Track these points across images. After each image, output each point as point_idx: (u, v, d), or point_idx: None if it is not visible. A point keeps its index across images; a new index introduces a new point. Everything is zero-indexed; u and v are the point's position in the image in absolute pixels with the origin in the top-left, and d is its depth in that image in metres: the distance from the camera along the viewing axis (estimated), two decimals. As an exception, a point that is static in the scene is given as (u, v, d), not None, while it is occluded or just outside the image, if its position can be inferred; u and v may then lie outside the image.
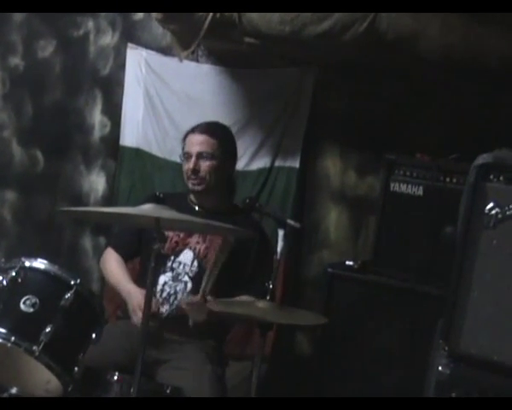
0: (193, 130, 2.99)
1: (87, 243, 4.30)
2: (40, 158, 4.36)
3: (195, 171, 2.91)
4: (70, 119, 4.32)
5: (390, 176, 3.34)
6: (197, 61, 4.01)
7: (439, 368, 2.62)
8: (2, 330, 2.37)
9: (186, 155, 2.96)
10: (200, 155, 2.92)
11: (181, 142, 3.03)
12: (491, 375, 2.56)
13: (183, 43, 3.59)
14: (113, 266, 2.98)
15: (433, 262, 3.21)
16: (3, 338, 2.37)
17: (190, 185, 2.95)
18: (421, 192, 3.28)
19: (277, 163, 3.94)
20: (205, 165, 2.92)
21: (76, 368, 2.45)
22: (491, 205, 2.57)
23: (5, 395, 2.49)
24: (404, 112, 3.72)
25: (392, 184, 3.33)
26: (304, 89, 3.90)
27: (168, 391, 2.53)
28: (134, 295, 2.78)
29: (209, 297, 2.75)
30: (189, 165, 2.93)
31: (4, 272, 2.49)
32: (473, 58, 3.20)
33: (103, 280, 3.37)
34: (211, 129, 2.98)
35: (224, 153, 2.97)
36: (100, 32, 4.27)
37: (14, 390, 2.50)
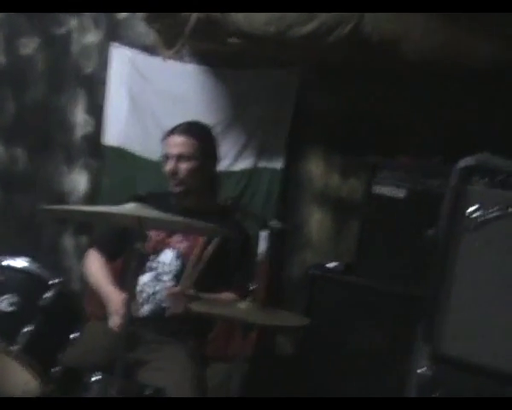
0: (172, 131, 2.97)
1: (68, 242, 4.27)
2: (21, 156, 4.32)
3: (175, 173, 2.90)
4: (52, 117, 4.29)
5: (373, 178, 3.35)
6: (181, 60, 4.00)
7: (421, 370, 2.63)
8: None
9: (166, 157, 2.94)
10: (179, 157, 2.90)
11: (161, 142, 3.01)
12: (472, 376, 2.57)
13: (168, 43, 3.57)
14: (94, 267, 2.96)
15: (415, 264, 3.22)
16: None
17: (171, 187, 2.94)
18: (403, 195, 3.29)
19: (260, 164, 3.94)
20: (184, 167, 2.90)
21: (55, 368, 2.44)
22: (473, 208, 2.58)
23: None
24: (387, 114, 3.73)
25: (374, 187, 3.34)
26: (287, 90, 3.90)
27: (149, 392, 2.52)
28: (112, 298, 2.77)
29: (191, 291, 2.74)
30: (169, 166, 2.91)
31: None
32: (456, 60, 3.21)
33: (85, 280, 3.34)
34: (190, 129, 2.96)
35: (204, 153, 2.96)
36: (83, 30, 4.24)
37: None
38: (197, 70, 4.02)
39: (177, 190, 2.92)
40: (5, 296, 2.41)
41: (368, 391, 3.12)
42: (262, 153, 3.93)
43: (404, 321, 3.11)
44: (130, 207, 2.38)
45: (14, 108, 4.32)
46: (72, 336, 2.52)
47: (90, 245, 3.14)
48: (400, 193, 3.30)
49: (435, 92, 3.57)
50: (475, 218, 2.57)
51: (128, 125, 4.13)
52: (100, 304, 2.99)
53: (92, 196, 4.21)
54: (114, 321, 2.68)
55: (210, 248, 2.82)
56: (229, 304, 2.60)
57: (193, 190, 2.93)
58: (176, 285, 2.85)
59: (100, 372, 2.51)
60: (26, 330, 2.38)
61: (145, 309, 2.84)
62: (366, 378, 3.19)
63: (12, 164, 4.33)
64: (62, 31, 4.26)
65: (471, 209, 2.58)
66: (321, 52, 3.44)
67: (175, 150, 2.91)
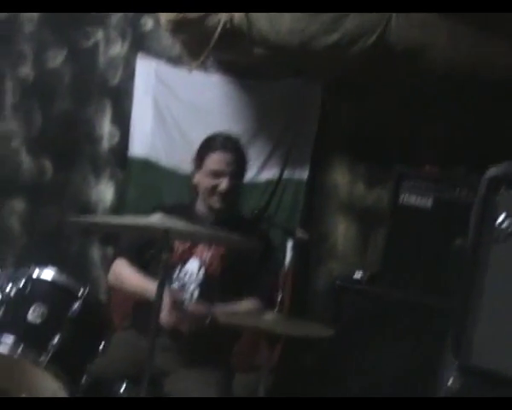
0: (215, 146, 2.98)
1: (95, 252, 4.30)
2: (49, 168, 4.36)
3: (216, 188, 2.92)
4: (79, 129, 4.33)
5: (399, 188, 3.33)
6: (206, 71, 4.01)
7: (450, 382, 2.60)
8: (10, 340, 2.37)
9: (209, 172, 2.95)
10: (222, 173, 2.93)
11: (195, 155, 3.02)
12: (501, 388, 2.54)
13: (193, 54, 3.59)
14: (128, 271, 2.96)
15: (441, 275, 3.20)
16: (11, 348, 2.37)
17: (211, 202, 2.95)
18: (429, 204, 3.27)
19: (286, 175, 3.93)
20: (226, 183, 2.92)
21: (83, 378, 2.45)
22: (502, 217, 2.55)
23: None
24: (413, 124, 3.72)
25: (400, 196, 3.32)
26: (312, 100, 3.90)
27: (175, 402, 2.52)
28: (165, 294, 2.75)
29: (211, 304, 2.75)
30: (211, 182, 2.93)
31: (13, 281, 2.49)
32: (481, 69, 3.20)
33: (110, 290, 3.35)
34: (232, 146, 2.99)
35: (241, 169, 2.99)
36: (110, 42, 4.27)
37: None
38: (222, 81, 4.03)
39: (217, 205, 2.93)
40: (33, 307, 2.43)
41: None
42: (287, 163, 3.93)
43: (431, 333, 3.09)
44: (156, 218, 2.39)
45: (42, 120, 4.36)
46: (99, 346, 2.53)
47: (116, 255, 3.15)
48: (427, 203, 3.28)
49: (461, 101, 3.55)
50: (505, 229, 2.55)
51: (154, 137, 4.15)
52: (126, 314, 3.01)
53: (118, 207, 4.24)
54: (165, 318, 2.68)
55: (232, 258, 2.83)
56: (255, 315, 2.60)
57: (230, 204, 2.95)
58: (201, 296, 2.85)
59: (127, 382, 2.52)
60: (54, 340, 2.40)
61: (173, 320, 2.84)
62: (392, 390, 3.17)
63: (40, 175, 4.37)
64: (89, 43, 4.30)
65: (500, 220, 2.55)
66: (345, 62, 3.43)
67: (219, 167, 2.93)
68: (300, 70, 3.86)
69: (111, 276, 3.04)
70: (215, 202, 2.94)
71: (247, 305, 2.86)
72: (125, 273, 2.97)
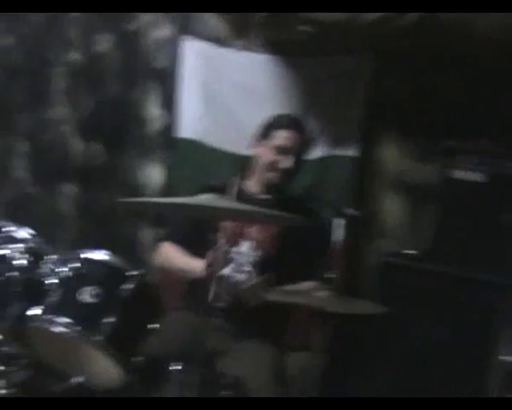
0: (285, 123, 3.04)
1: (146, 234, 4.34)
2: (99, 151, 4.41)
3: (277, 164, 2.94)
4: (127, 112, 4.36)
5: (451, 163, 3.28)
6: (253, 50, 3.99)
7: (503, 357, 2.56)
8: (66, 321, 2.42)
9: (274, 148, 2.99)
10: (288, 151, 2.97)
11: (261, 128, 3.06)
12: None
13: (239, 33, 3.58)
14: (175, 252, 2.99)
15: (494, 250, 3.15)
16: (67, 328, 2.42)
17: (269, 177, 2.97)
18: (482, 179, 3.21)
19: (335, 152, 3.90)
20: (290, 160, 2.98)
21: (136, 358, 2.48)
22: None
23: (68, 383, 2.54)
24: (465, 97, 3.64)
25: (452, 171, 3.27)
26: (360, 77, 3.85)
27: (228, 381, 2.54)
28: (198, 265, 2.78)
29: (269, 281, 2.76)
30: (275, 158, 2.97)
31: (67, 264, 2.53)
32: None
33: (161, 272, 3.38)
34: (300, 126, 3.07)
35: (305, 150, 3.07)
36: (156, 24, 4.29)
37: (77, 379, 2.54)
38: (268, 60, 4.01)
39: (276, 181, 2.97)
40: (87, 288, 2.47)
41: (446, 380, 3.06)
42: (336, 141, 3.90)
43: (483, 308, 3.04)
44: (206, 198, 2.39)
45: (91, 104, 4.40)
46: (151, 326, 2.57)
47: (164, 238, 3.17)
48: (480, 177, 3.22)
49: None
50: None
51: (201, 118, 4.16)
52: (178, 295, 3.03)
53: (167, 189, 4.26)
54: (217, 298, 2.67)
55: (286, 237, 2.82)
56: (307, 293, 2.59)
57: (288, 182, 2.98)
58: (255, 275, 2.86)
59: (180, 362, 2.55)
60: (107, 320, 2.44)
61: (225, 299, 2.86)
62: (442, 368, 3.13)
63: (90, 159, 4.42)
64: (135, 26, 4.32)
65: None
66: (393, 36, 3.38)
67: (284, 143, 2.99)
68: (348, 45, 3.81)
69: (158, 258, 3.07)
70: (274, 178, 2.96)
71: (302, 286, 2.87)
72: (171, 255, 3.00)
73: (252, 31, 3.44)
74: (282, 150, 2.99)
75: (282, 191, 3.00)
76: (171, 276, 3.09)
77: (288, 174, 2.99)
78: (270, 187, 2.99)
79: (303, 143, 3.06)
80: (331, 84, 3.89)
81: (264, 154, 3.00)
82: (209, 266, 2.56)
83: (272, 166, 2.97)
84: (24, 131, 4.49)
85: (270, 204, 2.78)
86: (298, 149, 3.02)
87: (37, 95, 4.45)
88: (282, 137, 3.00)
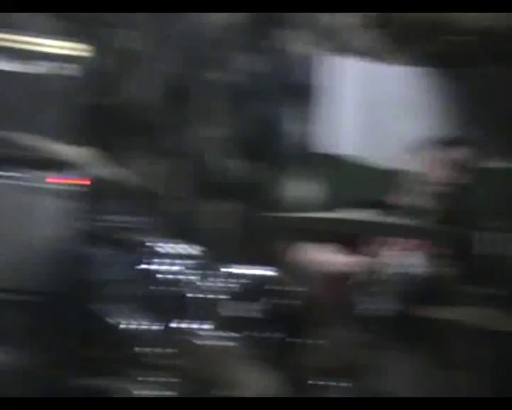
0: (461, 141, 3.11)
1: (300, 249, 4.35)
2: (258, 168, 4.48)
3: (447, 181, 3.00)
4: (272, 128, 4.42)
5: None
6: (404, 64, 3.94)
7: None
8: (231, 335, 2.47)
9: (449, 164, 3.02)
10: (462, 168, 3.03)
11: (433, 144, 3.08)
12: None
13: (391, 48, 3.55)
14: (329, 255, 3.03)
15: None
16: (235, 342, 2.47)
17: (439, 190, 2.98)
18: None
19: (497, 163, 3.77)
20: (464, 178, 3.02)
21: (292, 371, 2.50)
22: None
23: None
24: None
25: None
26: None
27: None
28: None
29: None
30: (448, 174, 3.01)
31: (234, 279, 2.59)
32: None
33: (316, 286, 3.39)
34: (468, 139, 3.15)
35: (474, 161, 3.10)
36: (299, 40, 4.32)
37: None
38: (420, 72, 3.94)
39: (447, 195, 2.98)
40: (252, 304, 2.52)
41: None
42: (496, 152, 3.77)
43: None
44: (365, 214, 2.39)
45: (237, 121, 4.49)
46: (309, 341, 2.58)
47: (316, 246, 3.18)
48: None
49: None
50: None
51: (350, 133, 4.15)
52: (332, 309, 3.03)
53: (313, 204, 4.26)
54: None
55: (448, 253, 2.78)
56: (469, 311, 2.52)
57: (459, 196, 2.99)
58: (418, 290, 2.82)
59: (336, 377, 2.54)
60: (267, 335, 2.47)
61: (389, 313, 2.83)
62: None
63: (241, 176, 4.50)
64: (278, 43, 4.37)
65: None
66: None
67: (461, 160, 3.03)
68: (504, 54, 3.67)
69: (312, 264, 3.09)
70: (444, 192, 2.98)
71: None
72: (321, 256, 3.03)
73: (403, 44, 3.38)
74: (457, 167, 3.00)
75: (452, 205, 2.96)
76: (331, 282, 3.09)
77: (460, 188, 2.96)
78: (439, 201, 2.98)
79: (474, 158, 3.05)
80: (487, 95, 3.77)
81: (434, 170, 3.01)
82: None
83: (442, 181, 2.99)
84: (186, 151, 4.64)
85: (440, 219, 2.76)
86: (469, 163, 3.00)
87: (197, 115, 4.59)
88: (459, 154, 3.04)
